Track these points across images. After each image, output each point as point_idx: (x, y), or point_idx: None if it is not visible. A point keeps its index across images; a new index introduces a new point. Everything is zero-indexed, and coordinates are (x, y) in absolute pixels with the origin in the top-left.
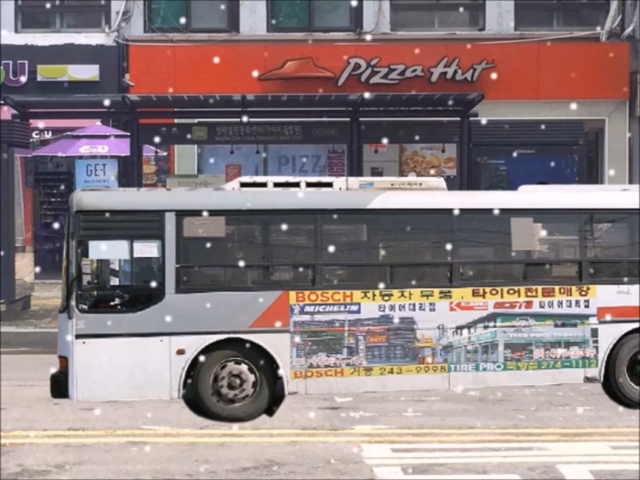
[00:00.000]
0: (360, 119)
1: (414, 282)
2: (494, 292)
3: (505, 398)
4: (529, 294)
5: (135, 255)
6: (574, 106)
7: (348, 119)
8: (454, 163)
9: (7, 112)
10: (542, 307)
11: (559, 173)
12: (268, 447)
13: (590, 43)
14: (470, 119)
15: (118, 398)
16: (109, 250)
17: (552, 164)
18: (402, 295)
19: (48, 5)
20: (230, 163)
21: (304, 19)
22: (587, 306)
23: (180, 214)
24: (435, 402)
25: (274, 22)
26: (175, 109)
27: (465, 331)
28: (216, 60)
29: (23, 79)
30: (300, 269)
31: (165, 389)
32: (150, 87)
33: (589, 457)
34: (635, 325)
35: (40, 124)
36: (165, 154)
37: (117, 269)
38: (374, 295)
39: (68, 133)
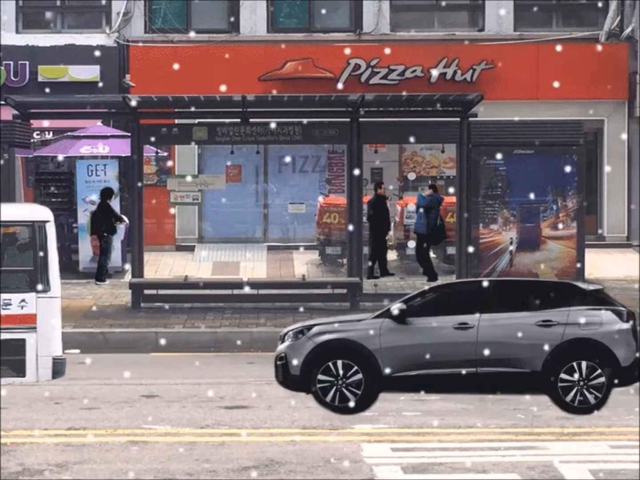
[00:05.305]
0: (360, 119)
1: None
2: None
3: (505, 398)
4: None
5: None
6: (573, 106)
7: (348, 120)
8: (454, 163)
9: (8, 113)
10: None
11: (558, 173)
12: (268, 446)
13: (590, 44)
14: (470, 119)
15: None
16: None
17: (551, 164)
18: None
19: (49, 6)
20: (230, 163)
21: (304, 19)
22: None
23: None
24: (435, 401)
25: (274, 23)
26: (176, 110)
27: None
28: (216, 60)
29: (24, 79)
30: None
31: None
32: (150, 87)
33: (588, 457)
34: None
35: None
36: (165, 154)
37: None
38: None
39: (69, 133)
